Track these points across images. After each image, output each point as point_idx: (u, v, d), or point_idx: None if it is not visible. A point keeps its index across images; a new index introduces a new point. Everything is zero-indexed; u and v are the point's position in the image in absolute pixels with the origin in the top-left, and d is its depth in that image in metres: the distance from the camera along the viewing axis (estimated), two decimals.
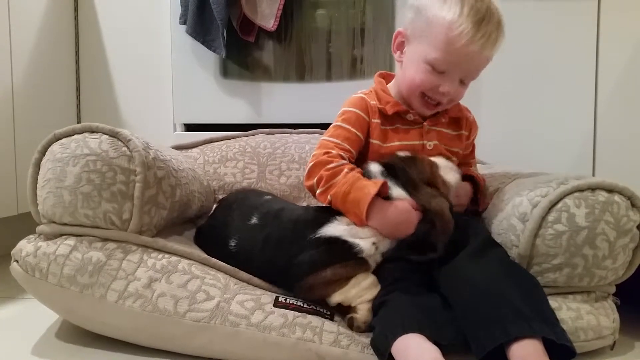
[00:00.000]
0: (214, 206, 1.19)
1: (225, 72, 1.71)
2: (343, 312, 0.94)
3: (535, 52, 1.69)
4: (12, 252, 0.94)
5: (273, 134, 1.54)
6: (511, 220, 0.97)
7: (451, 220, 0.93)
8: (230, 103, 1.72)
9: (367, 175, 0.98)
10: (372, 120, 1.08)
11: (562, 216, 0.91)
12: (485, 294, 0.84)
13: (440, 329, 0.82)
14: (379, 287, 0.94)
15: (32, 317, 1.06)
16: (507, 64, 1.71)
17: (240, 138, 1.52)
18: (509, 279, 0.85)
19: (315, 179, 1.00)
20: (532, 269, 0.94)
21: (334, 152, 1.02)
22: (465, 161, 1.18)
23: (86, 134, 0.96)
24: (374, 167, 1.00)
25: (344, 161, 1.01)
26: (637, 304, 1.05)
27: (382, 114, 1.08)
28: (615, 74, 1.67)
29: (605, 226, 0.89)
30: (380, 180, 0.96)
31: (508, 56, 1.69)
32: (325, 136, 1.07)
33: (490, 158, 1.55)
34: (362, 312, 0.92)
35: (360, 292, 0.92)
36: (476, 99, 1.74)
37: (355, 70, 1.69)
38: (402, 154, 1.03)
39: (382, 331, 0.85)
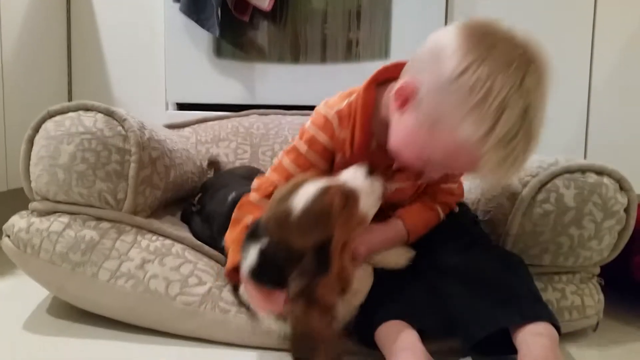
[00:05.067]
0: (197, 207, 1.14)
1: (219, 52, 1.69)
2: None
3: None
4: (4, 227, 0.94)
5: (267, 114, 1.54)
6: (500, 200, 0.98)
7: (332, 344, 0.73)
8: (223, 83, 1.70)
9: (245, 254, 0.78)
10: (337, 155, 0.91)
11: (551, 196, 0.92)
12: (473, 283, 0.85)
13: (421, 316, 0.83)
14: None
15: (23, 293, 1.06)
16: None
17: (234, 118, 1.51)
18: (496, 265, 0.86)
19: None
20: (518, 246, 0.95)
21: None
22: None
23: (81, 112, 0.95)
24: (252, 254, 0.76)
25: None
26: (620, 285, 1.07)
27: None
28: (610, 61, 1.67)
29: (592, 207, 0.91)
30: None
31: None
32: (283, 158, 0.92)
33: None
34: None
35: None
36: None
37: (350, 52, 1.68)
38: (301, 203, 0.74)
39: (364, 318, 0.86)
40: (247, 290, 0.82)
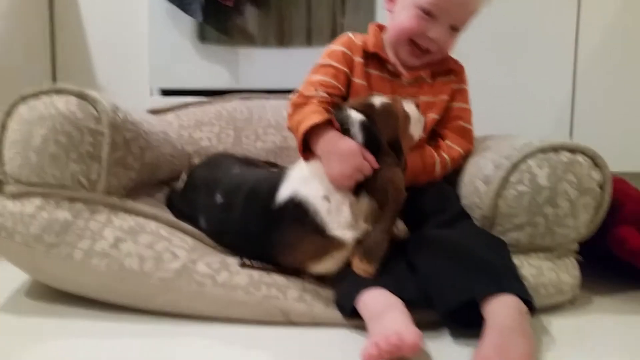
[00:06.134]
0: (184, 179, 1.17)
1: (202, 37, 1.68)
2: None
3: (516, 13, 1.68)
4: None
5: (249, 99, 1.53)
6: (475, 183, 0.98)
7: (402, 192, 0.90)
8: (208, 68, 1.70)
9: (345, 121, 0.94)
10: (355, 58, 1.08)
11: (525, 177, 0.92)
12: (452, 252, 0.86)
13: (402, 286, 0.84)
14: None
15: (1, 276, 1.06)
16: (487, 24, 1.71)
17: (217, 103, 1.50)
18: (476, 239, 0.88)
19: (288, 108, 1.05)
20: (495, 229, 0.95)
21: (314, 89, 1.04)
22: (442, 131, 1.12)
23: (53, 95, 0.95)
24: (356, 116, 0.94)
25: (322, 94, 1.02)
26: (597, 258, 1.08)
27: (365, 54, 1.09)
28: (596, 36, 1.67)
29: (567, 186, 0.91)
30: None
31: (488, 17, 1.69)
32: (310, 75, 1.08)
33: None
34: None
35: (338, 265, 0.93)
36: None
37: (335, 37, 1.66)
38: (378, 102, 0.96)
39: (346, 289, 0.87)
40: (341, 152, 0.90)
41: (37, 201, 0.92)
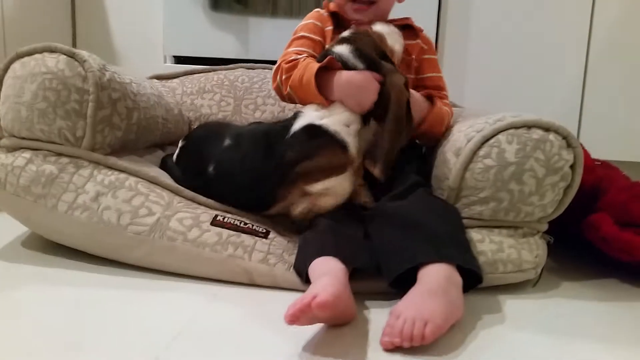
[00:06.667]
0: (180, 145, 1.21)
1: (215, 5, 1.72)
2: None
3: None
4: None
5: (253, 68, 1.56)
6: (447, 155, 0.99)
7: (407, 94, 0.97)
8: (219, 37, 1.73)
9: (340, 58, 0.99)
10: (326, 27, 1.15)
11: (493, 151, 0.92)
12: (400, 223, 0.88)
13: (354, 254, 0.87)
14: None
15: (5, 226, 1.12)
16: (498, 6, 1.68)
17: (220, 71, 1.54)
18: (425, 210, 0.89)
19: (277, 76, 1.09)
20: (460, 201, 0.96)
21: (294, 56, 1.08)
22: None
23: (46, 54, 1.00)
24: (343, 49, 1.01)
25: (303, 55, 1.08)
26: (571, 244, 1.06)
27: (333, 20, 1.15)
28: (610, 20, 1.61)
29: (534, 163, 0.90)
30: (328, 58, 0.99)
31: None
32: (286, 49, 1.14)
33: (474, 102, 1.54)
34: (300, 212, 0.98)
35: (330, 196, 0.96)
36: (464, 41, 1.71)
37: None
38: (347, 33, 1.05)
39: (302, 255, 0.90)
40: (359, 84, 0.96)
41: (27, 154, 0.99)
